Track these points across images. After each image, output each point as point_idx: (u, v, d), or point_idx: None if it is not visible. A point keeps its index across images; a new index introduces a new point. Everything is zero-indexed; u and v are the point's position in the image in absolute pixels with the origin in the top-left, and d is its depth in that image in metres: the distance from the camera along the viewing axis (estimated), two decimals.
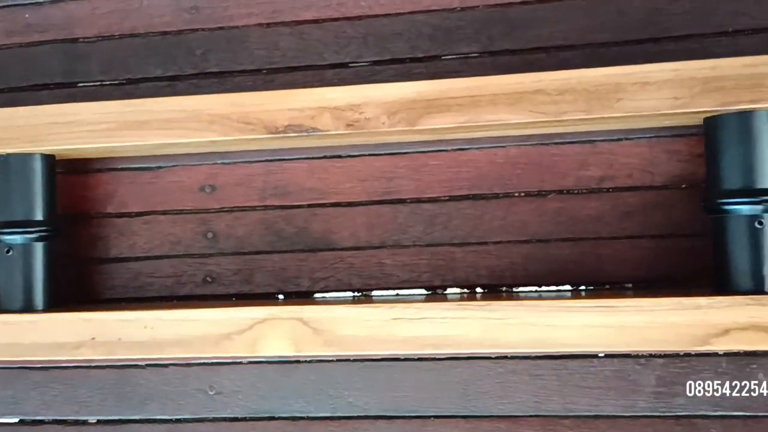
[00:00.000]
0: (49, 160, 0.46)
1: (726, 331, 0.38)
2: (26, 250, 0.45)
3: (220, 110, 0.43)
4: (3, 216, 0.45)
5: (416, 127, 0.41)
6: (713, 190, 0.40)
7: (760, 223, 0.39)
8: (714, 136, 0.40)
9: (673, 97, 0.39)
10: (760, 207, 0.39)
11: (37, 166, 0.45)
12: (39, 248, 0.45)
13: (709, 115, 0.40)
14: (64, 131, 0.44)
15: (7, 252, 0.45)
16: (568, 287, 0.45)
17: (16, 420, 0.49)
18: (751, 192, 0.39)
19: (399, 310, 0.40)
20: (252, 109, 0.42)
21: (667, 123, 0.42)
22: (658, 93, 0.39)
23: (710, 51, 0.43)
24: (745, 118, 0.39)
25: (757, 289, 0.39)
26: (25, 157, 0.45)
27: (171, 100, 0.43)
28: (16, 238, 0.45)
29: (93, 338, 0.42)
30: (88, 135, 0.44)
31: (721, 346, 0.38)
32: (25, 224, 0.45)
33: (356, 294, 0.47)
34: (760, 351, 0.43)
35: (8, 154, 0.45)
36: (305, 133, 0.42)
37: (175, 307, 0.43)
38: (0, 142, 0.45)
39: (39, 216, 0.45)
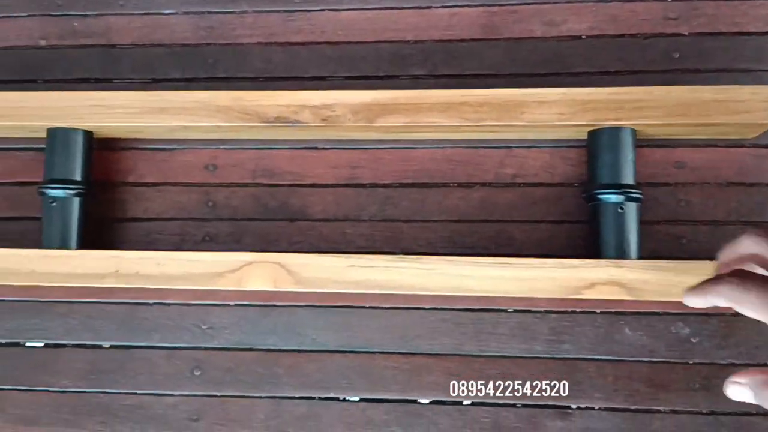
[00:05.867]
0: (88, 134, 0.58)
1: (592, 285, 0.51)
2: (66, 202, 0.57)
3: (224, 102, 0.55)
4: (49, 175, 0.57)
5: (373, 124, 0.54)
6: (591, 184, 0.55)
7: (621, 209, 0.53)
8: (594, 144, 0.54)
9: (559, 113, 0.53)
10: (622, 197, 0.53)
11: (79, 139, 0.57)
12: (76, 202, 0.58)
13: (590, 129, 0.54)
14: (101, 112, 0.56)
15: (52, 203, 0.57)
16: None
17: (41, 344, 0.61)
18: (616, 185, 0.53)
19: (353, 259, 0.53)
20: (249, 104, 0.55)
21: (562, 135, 0.57)
22: (549, 109, 0.53)
23: (595, 84, 0.57)
24: (614, 131, 0.53)
25: (617, 257, 0.53)
26: (69, 131, 0.57)
27: (186, 93, 0.55)
28: (59, 193, 0.57)
29: (116, 270, 0.55)
30: (120, 116, 0.56)
31: (588, 295, 0.51)
32: (67, 182, 0.57)
33: None
34: (628, 311, 0.57)
35: (56, 128, 0.57)
36: (290, 124, 0.55)
37: (181, 251, 0.56)
38: (50, 118, 0.56)
39: (78, 177, 0.58)
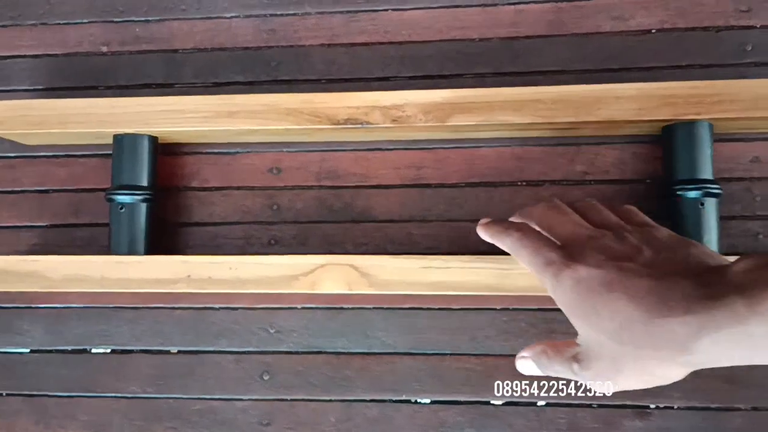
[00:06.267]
0: (154, 140, 0.58)
1: None
2: (133, 208, 0.57)
3: (294, 105, 0.55)
4: (117, 182, 0.57)
5: (445, 124, 0.53)
6: (668, 180, 0.54)
7: (702, 204, 0.52)
8: (670, 139, 0.53)
9: (638, 108, 0.52)
10: (700, 192, 0.52)
11: (145, 144, 0.57)
12: (143, 208, 0.58)
13: (665, 124, 0.53)
14: (170, 117, 0.55)
15: (120, 209, 0.57)
16: None
17: (108, 350, 0.61)
18: (695, 181, 0.52)
19: (428, 261, 0.52)
20: (318, 106, 0.55)
21: (634, 131, 0.56)
22: (627, 105, 0.52)
23: (667, 79, 0.56)
24: (691, 126, 0.52)
25: None
26: (136, 137, 0.57)
27: (256, 96, 0.55)
28: (127, 199, 0.57)
29: (188, 276, 0.54)
30: (189, 121, 0.56)
31: None
32: (134, 188, 0.57)
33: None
34: None
35: (123, 134, 0.57)
36: (360, 125, 0.54)
37: (253, 254, 0.55)
38: (117, 124, 0.56)
39: (144, 182, 0.58)
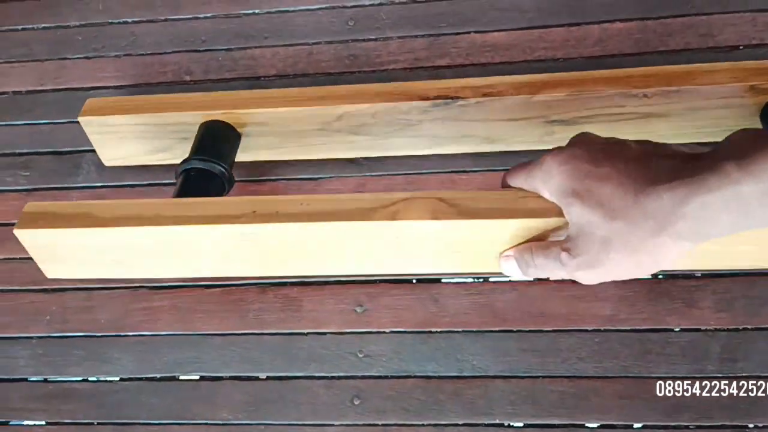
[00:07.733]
0: (238, 135, 0.58)
1: None
2: (206, 174, 0.55)
3: (384, 89, 0.55)
4: (193, 153, 0.56)
5: (535, 98, 0.53)
6: None
7: None
8: None
9: (732, 76, 0.51)
10: None
11: (228, 132, 0.57)
12: (217, 179, 0.56)
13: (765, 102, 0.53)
14: (252, 103, 0.55)
15: (191, 173, 0.55)
16: None
17: (197, 377, 0.61)
18: None
19: (524, 191, 0.46)
20: (409, 87, 0.55)
21: (730, 122, 0.54)
22: (720, 75, 0.52)
23: None
24: None
25: None
26: (220, 124, 0.57)
27: (345, 86, 0.56)
28: (202, 164, 0.55)
29: (253, 211, 0.49)
30: (277, 102, 0.55)
31: None
32: (212, 160, 0.55)
33: (478, 279, 0.59)
34: None
35: (208, 121, 0.57)
36: (450, 100, 0.54)
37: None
38: (204, 107, 0.56)
39: (224, 162, 0.56)
